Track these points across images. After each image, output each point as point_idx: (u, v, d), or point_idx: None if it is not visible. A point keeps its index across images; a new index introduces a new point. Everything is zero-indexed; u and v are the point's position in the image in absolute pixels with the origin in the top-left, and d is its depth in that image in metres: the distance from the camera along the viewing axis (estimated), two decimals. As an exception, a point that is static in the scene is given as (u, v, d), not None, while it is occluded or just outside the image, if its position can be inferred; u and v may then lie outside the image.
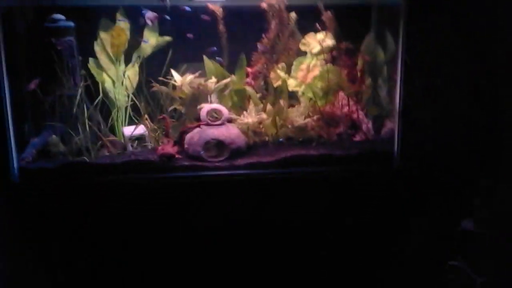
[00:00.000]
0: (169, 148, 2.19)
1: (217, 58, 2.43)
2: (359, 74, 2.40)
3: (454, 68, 2.42)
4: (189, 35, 2.39)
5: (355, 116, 2.41)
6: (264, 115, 2.34)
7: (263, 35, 2.42)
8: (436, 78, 2.32)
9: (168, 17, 2.34)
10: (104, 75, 2.39)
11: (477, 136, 2.38)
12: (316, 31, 2.37)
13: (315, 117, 2.35)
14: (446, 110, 2.43)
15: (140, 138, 2.34)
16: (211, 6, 2.36)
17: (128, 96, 2.42)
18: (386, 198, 2.23)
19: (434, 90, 2.39)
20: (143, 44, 2.42)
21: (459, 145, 2.44)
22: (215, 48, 2.42)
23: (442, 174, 2.34)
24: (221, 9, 2.37)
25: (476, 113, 2.40)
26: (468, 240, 2.08)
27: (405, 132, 2.23)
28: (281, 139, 2.36)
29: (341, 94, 2.42)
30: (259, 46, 2.42)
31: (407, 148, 2.24)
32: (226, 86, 2.41)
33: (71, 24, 2.29)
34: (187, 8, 2.34)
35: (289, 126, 2.37)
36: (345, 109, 2.40)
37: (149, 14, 2.29)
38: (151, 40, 2.42)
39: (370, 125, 2.44)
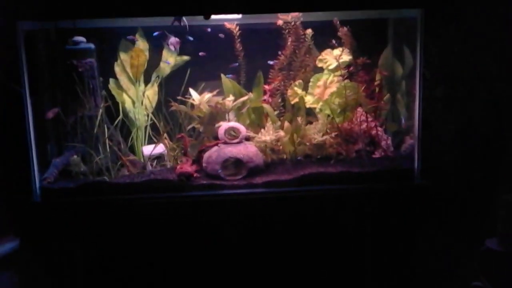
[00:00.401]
0: (188, 167, 2.21)
1: (226, 75, 2.45)
2: (377, 89, 2.37)
3: (474, 80, 2.39)
4: (202, 53, 2.41)
5: (373, 132, 2.38)
6: (281, 133, 2.33)
7: (280, 52, 2.43)
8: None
9: (191, 38, 2.37)
10: (124, 96, 2.43)
11: (500, 150, 2.33)
12: (332, 47, 2.36)
13: (333, 134, 2.33)
14: (467, 124, 2.39)
15: (159, 157, 2.36)
16: (227, 24, 2.38)
17: (148, 116, 2.46)
18: (407, 216, 2.18)
19: (454, 104, 2.36)
20: (162, 64, 2.46)
21: (482, 160, 2.38)
22: (237, 64, 2.43)
23: (464, 190, 2.29)
24: (237, 27, 2.38)
25: (498, 126, 2.35)
26: (492, 259, 2.01)
27: (426, 147, 2.19)
28: (299, 158, 2.34)
29: (359, 110, 2.39)
30: (272, 63, 2.41)
31: (428, 164, 2.20)
32: (243, 104, 2.42)
33: (92, 46, 2.35)
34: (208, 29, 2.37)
35: (307, 143, 2.35)
36: (364, 125, 2.38)
37: (172, 40, 2.33)
38: (169, 60, 2.45)
39: (389, 141, 2.41)
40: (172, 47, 2.33)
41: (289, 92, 2.43)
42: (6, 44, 2.12)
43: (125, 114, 2.42)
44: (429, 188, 2.17)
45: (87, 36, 2.35)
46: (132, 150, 2.43)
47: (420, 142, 2.19)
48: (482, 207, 2.37)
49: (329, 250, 2.21)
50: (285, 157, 2.37)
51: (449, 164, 2.38)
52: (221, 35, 2.39)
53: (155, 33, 2.35)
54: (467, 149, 2.40)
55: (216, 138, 2.31)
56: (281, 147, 2.37)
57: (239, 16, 2.34)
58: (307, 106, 2.40)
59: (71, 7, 2.03)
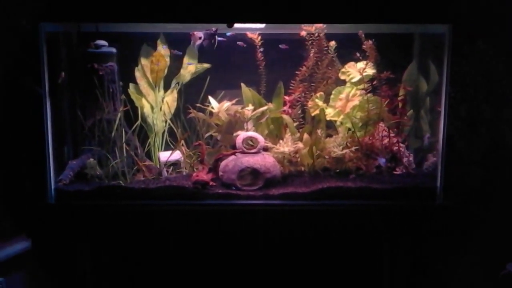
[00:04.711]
0: (204, 175, 2.17)
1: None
2: (400, 105, 2.32)
3: (501, 99, 2.33)
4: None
5: (395, 148, 2.32)
6: (300, 145, 2.29)
7: (303, 64, 2.40)
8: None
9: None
10: (143, 101, 2.42)
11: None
12: (356, 60, 2.32)
13: (353, 148, 2.28)
14: (491, 145, 2.33)
15: (175, 164, 2.34)
16: (250, 34, 2.36)
17: (166, 122, 2.44)
18: (427, 236, 2.11)
19: (479, 123, 2.30)
20: (182, 71, 2.45)
21: (505, 182, 2.32)
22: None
23: (486, 212, 2.22)
24: (259, 37, 2.36)
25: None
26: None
27: (449, 166, 2.13)
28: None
29: (381, 125, 2.34)
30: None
31: (451, 183, 2.13)
32: (263, 114, 2.38)
33: (113, 50, 2.35)
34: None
35: (326, 156, 2.31)
36: (385, 140, 2.32)
37: (198, 35, 2.24)
38: (189, 67, 2.44)
39: (411, 158, 2.35)
40: (197, 42, 2.25)
41: (310, 103, 2.39)
42: (28, 45, 2.12)
43: (144, 119, 2.40)
44: (450, 209, 2.10)
45: (109, 40, 2.34)
46: (148, 155, 2.41)
47: (443, 161, 2.13)
48: (504, 230, 2.30)
49: (344, 267, 2.16)
50: (303, 169, 2.32)
51: (471, 185, 2.31)
52: (240, 43, 2.36)
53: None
54: (490, 170, 2.34)
55: (234, 147, 2.28)
56: (299, 159, 2.32)
57: (262, 25, 2.32)
58: (328, 118, 2.35)
59: (94, 10, 2.04)
